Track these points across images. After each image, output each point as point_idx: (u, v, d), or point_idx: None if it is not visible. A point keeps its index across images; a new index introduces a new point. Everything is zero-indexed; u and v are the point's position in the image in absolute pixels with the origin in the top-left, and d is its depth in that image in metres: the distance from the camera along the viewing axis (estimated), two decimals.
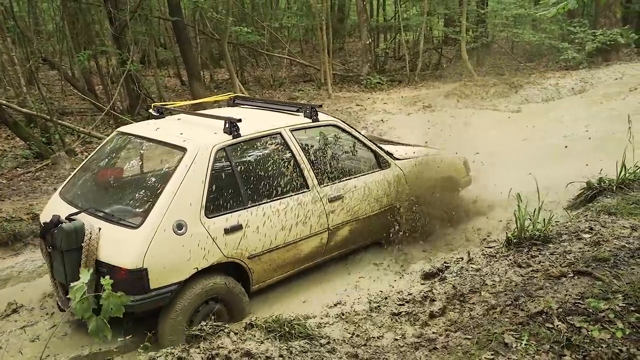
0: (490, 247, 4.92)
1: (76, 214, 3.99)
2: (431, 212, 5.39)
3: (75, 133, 9.79)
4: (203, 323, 3.42)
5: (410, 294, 4.02)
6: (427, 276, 4.58)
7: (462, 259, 4.63)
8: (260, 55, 16.73)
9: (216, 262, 4.01)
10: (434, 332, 3.39)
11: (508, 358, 2.89)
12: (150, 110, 5.10)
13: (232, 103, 5.59)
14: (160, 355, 3.04)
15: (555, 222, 4.84)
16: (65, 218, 3.92)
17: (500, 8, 15.34)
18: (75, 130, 9.75)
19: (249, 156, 4.51)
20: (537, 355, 2.87)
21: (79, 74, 12.51)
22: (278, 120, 4.74)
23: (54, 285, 4.24)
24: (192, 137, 4.23)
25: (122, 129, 4.90)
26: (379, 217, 5.08)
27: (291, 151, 4.54)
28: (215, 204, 4.05)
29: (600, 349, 2.91)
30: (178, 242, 3.82)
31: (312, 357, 3.08)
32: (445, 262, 4.68)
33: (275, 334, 3.28)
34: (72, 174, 4.87)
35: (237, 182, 4.20)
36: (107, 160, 4.75)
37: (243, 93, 12.53)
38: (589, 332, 3.04)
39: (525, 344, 2.98)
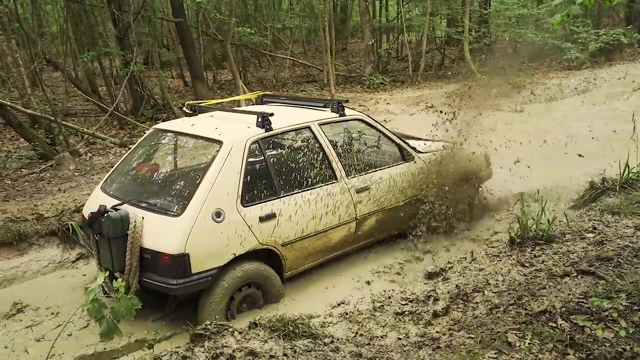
0: (494, 247, 4.93)
1: (120, 204, 4.21)
2: (454, 205, 5.59)
3: (79, 134, 9.83)
4: (207, 322, 3.43)
5: (414, 294, 4.03)
6: (430, 276, 4.58)
7: (466, 258, 4.64)
8: (263, 56, 16.76)
9: (252, 249, 4.23)
10: (437, 332, 3.40)
11: (511, 357, 2.90)
12: (184, 109, 5.36)
13: (260, 101, 5.81)
14: (164, 354, 3.06)
15: (559, 221, 4.84)
16: (114, 208, 4.14)
17: (503, 8, 15.32)
18: (79, 131, 9.79)
19: (281, 149, 4.80)
20: (541, 354, 2.88)
21: (82, 75, 12.55)
22: (307, 115, 4.96)
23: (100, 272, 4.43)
24: (227, 131, 4.45)
25: (159, 125, 5.22)
26: (404, 208, 5.27)
27: (320, 144, 4.74)
28: (250, 194, 4.27)
29: (603, 347, 2.92)
30: (217, 229, 4.04)
31: (316, 356, 3.09)
32: (448, 262, 4.69)
33: (279, 333, 3.29)
34: (112, 169, 5.13)
35: (270, 173, 4.42)
36: (145, 155, 5.00)
37: (246, 93, 12.54)
38: (593, 331, 3.05)
39: (528, 343, 2.98)
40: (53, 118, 9.04)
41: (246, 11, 16.77)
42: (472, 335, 3.22)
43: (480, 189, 6.11)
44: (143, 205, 4.27)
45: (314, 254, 4.73)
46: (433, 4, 15.95)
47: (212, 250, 4.05)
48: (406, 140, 5.51)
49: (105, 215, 4.06)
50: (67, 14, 12.10)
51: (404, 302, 3.92)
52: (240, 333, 3.32)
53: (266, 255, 4.44)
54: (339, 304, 4.34)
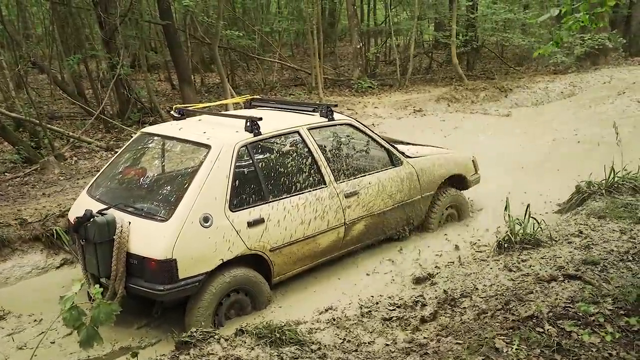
0: (481, 252, 4.94)
1: (106, 209, 4.18)
2: (441, 209, 5.76)
3: (64, 137, 9.72)
4: (193, 329, 3.40)
5: (402, 299, 4.02)
6: (418, 281, 4.58)
7: (453, 262, 4.64)
8: (251, 59, 16.71)
9: (240, 254, 4.21)
10: (425, 337, 3.39)
11: None
12: (172, 112, 5.32)
13: (249, 105, 5.82)
14: None
15: (546, 225, 4.86)
16: (100, 212, 4.10)
17: (490, 12, 15.39)
18: (64, 134, 9.68)
19: (270, 153, 4.77)
20: None
21: (68, 78, 12.41)
22: (296, 119, 4.96)
23: (85, 279, 4.40)
24: (216, 135, 4.44)
25: (146, 129, 5.19)
26: (392, 213, 5.29)
27: (309, 148, 4.74)
28: (238, 199, 4.26)
29: (590, 353, 2.92)
30: (205, 234, 4.02)
31: None
32: (436, 266, 4.69)
33: (266, 340, 3.27)
34: (98, 173, 5.09)
35: (259, 177, 4.42)
36: (132, 159, 4.97)
37: (233, 97, 12.49)
38: (579, 336, 3.05)
39: (516, 349, 2.98)
40: (38, 121, 8.93)
41: (234, 14, 16.71)
42: (460, 341, 3.21)
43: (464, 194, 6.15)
44: (130, 209, 4.24)
45: (302, 259, 4.71)
46: (421, 8, 15.99)
47: (200, 256, 4.02)
48: (395, 145, 5.52)
49: (91, 220, 4.03)
50: (53, 16, 11.97)
51: (391, 308, 3.91)
52: (226, 340, 3.29)
53: (254, 260, 4.41)
54: (326, 310, 4.33)
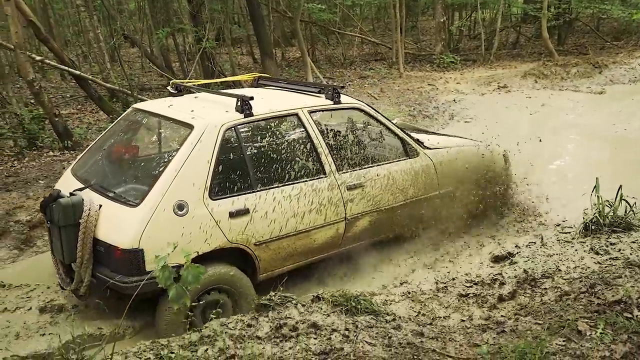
0: (566, 233, 4.74)
1: (82, 189, 3.88)
2: (462, 207, 5.07)
3: None
4: (272, 293, 3.48)
5: (479, 276, 3.96)
6: (496, 259, 4.47)
7: (535, 243, 4.49)
8: (331, 33, 16.68)
9: (219, 247, 3.79)
10: (502, 316, 3.33)
11: (581, 346, 2.79)
12: (169, 88, 4.96)
13: (256, 84, 5.36)
14: (230, 322, 3.16)
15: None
16: (70, 193, 3.80)
17: None
18: None
19: (262, 137, 4.25)
20: (614, 345, 2.76)
21: (157, 51, 12.97)
22: (296, 101, 4.48)
23: (54, 263, 4.09)
24: (202, 114, 4.02)
25: (138, 105, 4.78)
26: (404, 209, 4.77)
27: (308, 134, 4.27)
28: (221, 186, 3.84)
29: None
30: (178, 223, 3.62)
31: (377, 333, 3.10)
32: (516, 246, 4.56)
33: (342, 308, 3.32)
34: (85, 150, 4.82)
35: (247, 163, 3.98)
36: (119, 137, 4.64)
37: (314, 72, 12.57)
38: None
39: (600, 333, 2.86)
40: (130, 92, 9.43)
41: None
42: (539, 322, 3.13)
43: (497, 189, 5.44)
44: (104, 191, 3.89)
45: (294, 256, 4.25)
46: None
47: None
48: (411, 134, 4.97)
49: (56, 201, 3.70)
50: None
51: (468, 285, 3.86)
52: (303, 306, 3.38)
53: (238, 256, 3.99)
54: (401, 284, 4.33)
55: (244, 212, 3.86)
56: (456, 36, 16.89)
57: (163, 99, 4.96)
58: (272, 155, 4.14)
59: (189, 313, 3.47)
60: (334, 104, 4.52)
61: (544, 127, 8.28)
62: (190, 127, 3.87)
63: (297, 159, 4.21)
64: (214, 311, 3.51)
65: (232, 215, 3.81)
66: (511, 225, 5.34)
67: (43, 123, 8.37)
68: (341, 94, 4.56)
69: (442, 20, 15.19)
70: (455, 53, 15.12)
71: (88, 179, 4.12)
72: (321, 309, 3.34)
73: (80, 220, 3.62)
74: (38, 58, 9.39)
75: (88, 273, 3.69)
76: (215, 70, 11.49)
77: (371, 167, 4.56)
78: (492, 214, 5.34)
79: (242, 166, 3.97)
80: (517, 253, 4.33)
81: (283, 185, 4.06)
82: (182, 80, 5.29)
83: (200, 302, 3.75)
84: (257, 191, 3.95)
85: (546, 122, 8.76)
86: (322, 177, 4.26)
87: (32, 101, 9.81)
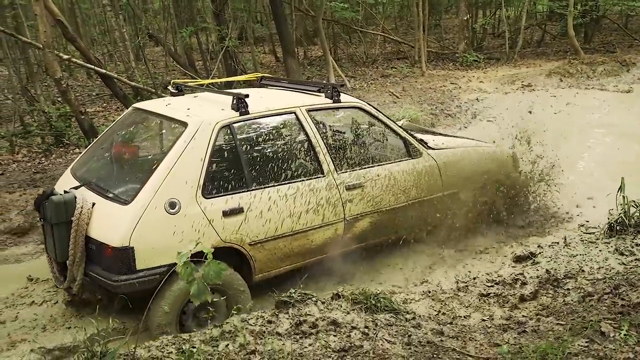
0: (590, 233, 4.68)
1: (77, 187, 3.90)
2: (469, 208, 4.94)
3: None
4: (292, 290, 3.47)
5: (500, 276, 3.94)
6: (518, 259, 4.43)
7: (558, 243, 4.44)
8: (354, 32, 16.66)
9: (212, 246, 3.66)
10: (524, 316, 3.31)
11: (604, 347, 2.76)
12: (169, 87, 4.93)
13: (259, 83, 5.30)
14: (251, 318, 3.19)
15: None
16: (64, 191, 3.83)
17: None
18: None
19: (258, 135, 4.18)
20: (638, 347, 2.72)
21: (181, 50, 13.11)
22: (294, 99, 4.44)
23: (48, 261, 4.09)
24: (197, 112, 4.01)
25: (137, 105, 4.80)
26: (406, 211, 4.66)
27: (306, 132, 4.21)
28: (214, 184, 3.80)
29: None
30: (170, 221, 3.57)
31: (396, 331, 3.11)
32: (539, 246, 4.51)
33: (361, 306, 3.34)
34: (85, 149, 4.82)
35: (241, 162, 3.94)
36: (118, 135, 4.64)
37: (336, 70, 12.57)
38: None
39: (624, 334, 2.83)
40: (154, 90, 9.56)
41: None
42: (562, 322, 3.10)
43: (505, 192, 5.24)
44: (99, 190, 3.87)
45: (291, 256, 4.17)
46: None
47: (162, 245, 3.54)
48: (415, 135, 4.89)
49: (49, 198, 3.71)
50: None
51: (489, 284, 3.85)
52: (323, 303, 3.40)
53: (233, 256, 3.90)
54: (421, 282, 4.32)
55: (238, 211, 3.81)
56: (480, 34, 16.72)
57: (163, 99, 4.98)
58: (268, 154, 4.09)
59: (182, 313, 3.53)
60: (333, 102, 4.46)
61: (568, 125, 8.16)
62: (184, 124, 3.85)
63: (294, 157, 4.15)
64: (204, 315, 3.50)
65: (226, 214, 3.77)
66: (533, 225, 5.28)
67: (70, 121, 8.54)
68: (341, 93, 4.51)
69: (465, 18, 15.05)
70: (478, 51, 14.97)
71: (86, 177, 4.12)
72: (341, 306, 3.36)
73: (72, 218, 3.60)
74: (65, 57, 9.58)
75: (80, 271, 3.67)
76: (238, 68, 11.57)
77: (371, 167, 4.49)
78: (506, 215, 5.23)
79: (236, 165, 3.94)
80: (540, 253, 4.30)
81: (279, 185, 4.01)
82: (183, 80, 5.27)
83: (192, 304, 3.63)
84: (252, 190, 3.90)
85: (571, 120, 8.63)
86: (320, 177, 4.19)
87: (59, 99, 10.02)
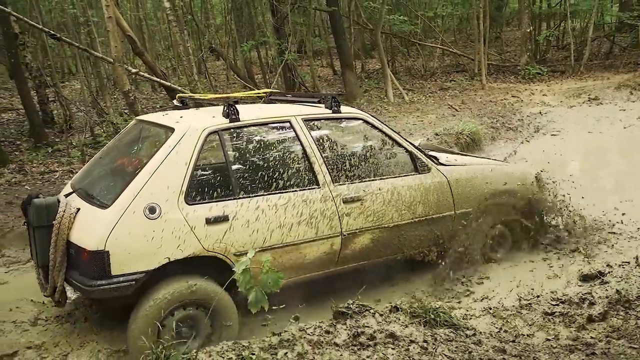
0: None
1: (69, 194, 3.90)
2: (483, 230, 4.75)
3: None
4: (350, 301, 3.41)
5: (566, 295, 3.79)
6: (585, 278, 4.25)
7: (629, 263, 4.23)
8: (412, 45, 16.60)
9: (192, 254, 3.59)
10: (592, 337, 3.16)
11: None
12: (174, 101, 4.89)
13: (268, 99, 5.11)
14: (309, 327, 3.20)
15: None
16: (42, 196, 3.82)
17: None
18: None
19: (248, 143, 4.08)
20: None
21: (241, 64, 13.45)
22: (290, 109, 4.34)
23: (35, 267, 4.03)
24: (188, 120, 3.95)
25: (140, 117, 4.80)
26: (411, 228, 4.42)
27: (301, 142, 4.06)
28: (198, 191, 3.70)
29: None
30: (148, 226, 3.47)
31: (456, 347, 3.04)
32: (607, 265, 4.32)
33: (420, 320, 3.29)
34: (87, 162, 4.87)
35: (229, 169, 3.84)
36: (118, 147, 4.61)
37: (394, 83, 12.54)
38: None
39: None
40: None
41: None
42: (635, 346, 2.95)
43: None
44: (86, 196, 3.83)
45: (281, 270, 3.81)
46: None
47: (140, 251, 3.44)
48: (424, 150, 4.68)
49: (31, 201, 3.70)
50: (231, 6, 13.02)
51: (554, 303, 3.71)
52: (381, 315, 3.37)
53: (219, 268, 3.72)
54: (481, 299, 4.22)
55: (223, 219, 3.67)
56: (543, 46, 16.28)
57: (166, 112, 4.93)
58: (258, 162, 3.97)
59: (160, 326, 3.38)
60: (332, 112, 4.32)
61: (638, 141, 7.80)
62: (171, 130, 3.80)
63: (287, 167, 4.01)
64: (183, 328, 3.46)
65: (210, 221, 3.63)
66: (590, 246, 5.03)
67: None
68: (341, 104, 4.39)
69: (528, 30, 14.71)
70: (541, 64, 14.57)
71: (78, 185, 4.12)
72: (399, 319, 3.32)
73: (54, 222, 3.55)
74: (134, 70, 10.00)
75: (61, 277, 3.59)
76: (297, 81, 11.75)
77: (373, 180, 4.27)
78: (533, 236, 5.01)
79: (223, 172, 3.85)
80: (609, 272, 4.11)
81: (268, 194, 3.85)
82: (191, 94, 5.28)
83: (174, 316, 3.52)
84: (239, 198, 3.76)
85: None
86: (314, 188, 4.01)
87: (127, 111, 10.46)
